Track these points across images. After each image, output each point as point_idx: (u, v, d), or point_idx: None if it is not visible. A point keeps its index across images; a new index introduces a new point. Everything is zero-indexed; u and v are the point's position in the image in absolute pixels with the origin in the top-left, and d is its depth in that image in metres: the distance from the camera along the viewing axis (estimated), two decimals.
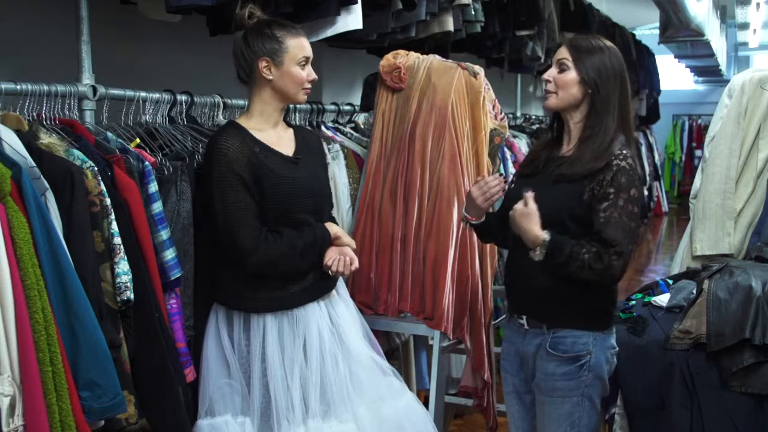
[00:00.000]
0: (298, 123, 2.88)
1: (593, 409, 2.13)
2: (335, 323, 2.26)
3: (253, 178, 2.08)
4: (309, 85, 2.18)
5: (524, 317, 2.15)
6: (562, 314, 2.09)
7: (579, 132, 2.11)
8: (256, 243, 2.07)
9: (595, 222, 2.01)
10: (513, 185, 2.25)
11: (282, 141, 2.20)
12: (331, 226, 2.24)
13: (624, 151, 2.04)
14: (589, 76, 2.06)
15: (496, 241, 2.39)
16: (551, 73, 2.11)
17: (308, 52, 2.17)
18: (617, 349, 2.18)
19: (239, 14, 2.16)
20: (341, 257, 2.20)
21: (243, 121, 2.17)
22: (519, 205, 2.02)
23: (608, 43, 2.13)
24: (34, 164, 1.76)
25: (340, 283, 2.35)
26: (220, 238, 2.09)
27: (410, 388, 2.55)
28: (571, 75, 2.07)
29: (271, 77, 2.13)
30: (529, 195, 2.01)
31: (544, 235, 1.99)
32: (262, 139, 2.14)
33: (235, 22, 2.17)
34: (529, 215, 1.99)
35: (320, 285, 2.23)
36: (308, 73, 2.17)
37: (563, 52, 2.10)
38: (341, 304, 2.32)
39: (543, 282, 2.07)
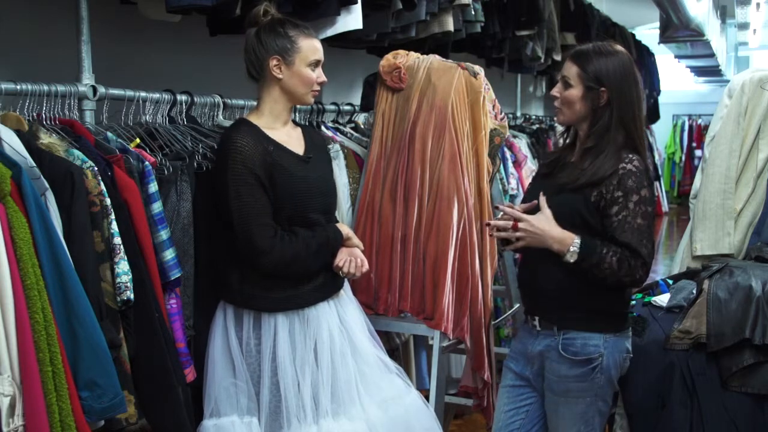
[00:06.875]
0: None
1: (605, 407, 2.17)
2: (344, 322, 2.27)
3: (268, 177, 2.09)
4: (318, 87, 2.19)
5: (537, 318, 2.16)
6: (573, 316, 2.10)
7: (584, 141, 2.13)
8: (272, 243, 2.07)
9: (608, 227, 2.03)
10: (531, 186, 2.31)
11: (292, 140, 2.21)
12: (341, 227, 2.25)
13: (630, 155, 2.05)
14: (592, 93, 2.07)
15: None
16: (558, 89, 2.12)
17: (320, 55, 2.18)
18: (631, 354, 2.18)
19: (254, 11, 2.17)
20: (352, 258, 2.21)
21: (254, 119, 2.17)
22: (535, 217, 2.03)
23: (617, 48, 2.12)
24: (34, 164, 1.75)
25: (345, 283, 2.36)
26: (234, 237, 2.09)
27: None
28: (574, 92, 2.08)
29: (281, 76, 2.13)
30: (542, 199, 2.04)
31: (573, 234, 2.00)
32: (274, 138, 2.15)
33: (248, 18, 2.18)
34: (549, 220, 2.02)
35: (331, 284, 2.25)
36: (318, 75, 2.17)
37: (567, 67, 2.11)
38: (350, 304, 2.34)
39: (555, 283, 2.09)
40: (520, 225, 2.03)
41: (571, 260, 2.00)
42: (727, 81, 5.14)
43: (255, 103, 2.27)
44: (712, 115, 3.09)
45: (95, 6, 2.26)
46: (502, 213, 2.10)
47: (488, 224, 2.12)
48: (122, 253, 1.86)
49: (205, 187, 2.22)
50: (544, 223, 2.02)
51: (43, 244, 1.64)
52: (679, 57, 9.56)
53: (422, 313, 2.69)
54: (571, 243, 2.00)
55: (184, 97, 2.44)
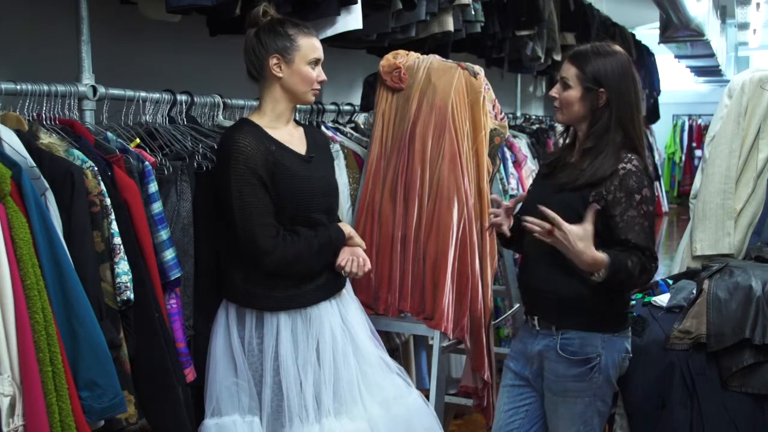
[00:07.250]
0: None
1: (605, 407, 2.16)
2: (346, 322, 2.27)
3: (270, 177, 2.09)
4: (318, 86, 2.19)
5: (536, 318, 2.16)
6: (572, 316, 2.10)
7: (583, 142, 2.13)
8: (275, 242, 2.07)
9: (612, 228, 2.02)
10: (532, 186, 2.31)
11: (294, 139, 2.21)
12: (344, 226, 2.25)
13: (629, 155, 2.05)
14: (591, 94, 2.07)
15: (516, 247, 2.38)
16: (557, 90, 2.13)
17: (319, 53, 2.18)
18: (630, 354, 2.18)
19: (253, 12, 2.18)
20: (355, 258, 2.21)
21: (256, 119, 2.17)
22: (576, 228, 1.95)
23: (615, 48, 2.11)
24: (34, 164, 1.75)
25: (347, 282, 2.36)
26: (236, 237, 2.09)
27: None
28: (573, 93, 2.09)
29: (281, 75, 2.14)
30: (590, 211, 1.96)
31: (605, 257, 1.96)
32: (276, 137, 2.15)
33: (248, 19, 2.19)
34: (588, 238, 1.95)
35: (333, 284, 2.25)
36: (318, 73, 2.18)
37: (566, 68, 2.11)
38: (351, 303, 2.34)
39: (554, 283, 2.09)
40: (557, 233, 1.96)
41: (598, 280, 1.99)
42: (727, 81, 5.14)
43: (255, 103, 2.27)
44: (712, 115, 3.09)
45: (95, 6, 2.26)
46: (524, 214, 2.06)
47: (526, 220, 1.99)
48: (122, 253, 1.86)
49: (206, 187, 2.22)
50: (580, 241, 1.94)
51: (43, 244, 1.64)
52: (679, 57, 9.56)
53: (422, 313, 2.69)
54: (601, 268, 1.96)
55: (184, 97, 2.44)
